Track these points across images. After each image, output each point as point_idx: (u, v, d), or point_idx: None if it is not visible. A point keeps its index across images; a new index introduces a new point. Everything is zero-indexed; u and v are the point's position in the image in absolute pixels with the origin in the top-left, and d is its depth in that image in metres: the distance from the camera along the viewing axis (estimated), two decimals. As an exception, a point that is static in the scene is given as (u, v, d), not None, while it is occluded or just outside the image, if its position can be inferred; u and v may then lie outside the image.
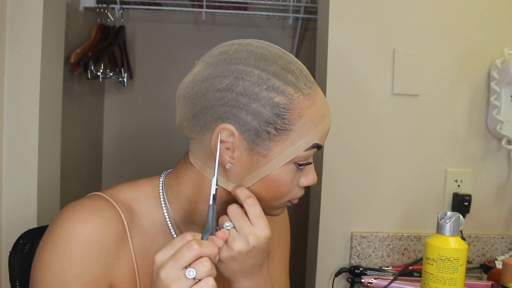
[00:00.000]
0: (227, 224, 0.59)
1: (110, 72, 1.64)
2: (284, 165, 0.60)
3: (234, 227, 0.59)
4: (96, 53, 1.54)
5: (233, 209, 0.60)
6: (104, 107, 1.97)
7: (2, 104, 1.05)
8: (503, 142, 1.14)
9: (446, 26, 1.15)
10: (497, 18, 1.16)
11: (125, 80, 1.76)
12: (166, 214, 0.67)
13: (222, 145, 0.59)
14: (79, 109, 1.68)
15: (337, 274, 1.11)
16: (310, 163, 0.63)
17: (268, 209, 0.65)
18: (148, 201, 0.67)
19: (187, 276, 0.50)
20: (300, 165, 0.61)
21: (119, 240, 0.63)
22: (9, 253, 0.80)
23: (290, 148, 0.59)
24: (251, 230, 0.58)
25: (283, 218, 0.84)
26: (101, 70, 1.53)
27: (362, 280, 1.04)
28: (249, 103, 0.57)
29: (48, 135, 1.13)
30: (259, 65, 0.58)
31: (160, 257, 0.52)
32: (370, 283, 1.03)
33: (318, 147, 0.62)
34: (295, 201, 0.66)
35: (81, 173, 1.71)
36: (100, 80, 1.57)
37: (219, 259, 0.58)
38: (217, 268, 0.60)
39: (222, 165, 0.61)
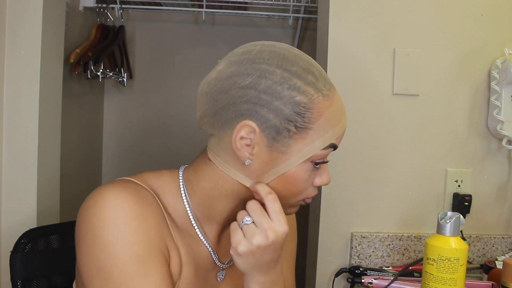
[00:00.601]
0: (247, 219, 0.61)
1: (110, 72, 1.64)
2: (301, 163, 0.62)
3: (254, 222, 0.60)
4: (96, 53, 1.54)
5: (253, 204, 0.61)
6: (104, 107, 1.97)
7: (1, 104, 1.05)
8: (504, 142, 1.14)
9: (447, 26, 1.15)
10: (497, 18, 1.16)
11: (125, 80, 1.76)
12: (187, 207, 0.68)
13: (242, 141, 0.61)
14: (79, 109, 1.68)
15: (337, 274, 1.11)
16: (326, 162, 0.66)
17: (282, 207, 0.65)
18: (171, 192, 0.68)
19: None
20: (316, 163, 0.63)
21: (164, 220, 0.64)
22: (10, 253, 0.80)
23: (308, 147, 0.61)
24: (270, 225, 0.59)
25: (292, 219, 0.85)
26: (101, 70, 1.53)
27: (362, 280, 1.04)
28: (271, 101, 0.59)
29: (47, 135, 1.13)
30: (281, 65, 0.60)
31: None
32: (370, 283, 1.03)
33: (334, 147, 0.64)
34: (309, 200, 0.68)
35: (80, 173, 1.71)
36: (100, 80, 1.56)
37: (237, 252, 0.60)
38: (232, 265, 0.63)
39: (241, 161, 0.62)
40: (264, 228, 0.59)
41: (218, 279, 0.72)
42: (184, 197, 0.68)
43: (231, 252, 0.61)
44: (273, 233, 0.59)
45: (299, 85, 0.59)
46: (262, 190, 0.61)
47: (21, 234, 0.83)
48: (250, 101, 0.59)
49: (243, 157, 0.61)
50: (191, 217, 0.68)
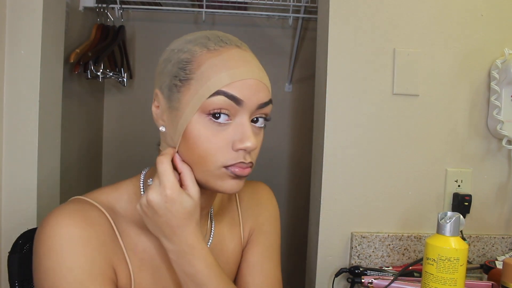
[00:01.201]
0: (149, 181, 0.66)
1: (110, 72, 1.64)
2: (196, 117, 0.61)
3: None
4: (96, 53, 1.54)
5: (159, 161, 0.64)
6: (104, 107, 1.97)
7: (1, 104, 1.05)
8: (504, 142, 1.14)
9: (446, 26, 1.15)
10: (497, 18, 1.16)
11: (125, 80, 1.76)
12: None
13: (157, 110, 0.67)
14: (79, 109, 1.68)
15: (337, 274, 1.11)
16: (223, 114, 0.61)
17: (207, 179, 0.64)
18: (130, 199, 0.69)
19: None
20: (213, 115, 0.61)
21: (111, 236, 0.66)
22: (8, 254, 0.80)
23: (194, 97, 0.61)
24: (163, 184, 0.61)
25: (271, 206, 0.84)
26: (101, 70, 1.53)
27: (362, 280, 1.04)
28: (166, 65, 0.65)
29: (47, 135, 1.13)
30: (188, 39, 0.66)
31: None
32: (370, 283, 1.03)
33: (228, 96, 0.60)
34: (235, 170, 0.62)
35: (80, 173, 1.71)
36: (100, 80, 1.57)
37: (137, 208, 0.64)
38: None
39: (160, 130, 0.68)
40: (155, 186, 0.62)
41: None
42: None
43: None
44: (156, 196, 0.61)
45: (188, 48, 0.64)
46: (167, 151, 0.66)
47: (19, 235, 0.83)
48: (157, 72, 0.68)
49: (159, 125, 0.67)
50: None
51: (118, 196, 0.69)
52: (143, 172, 0.72)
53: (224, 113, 0.61)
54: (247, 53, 0.65)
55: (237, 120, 0.62)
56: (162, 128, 0.67)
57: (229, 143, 0.62)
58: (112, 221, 0.67)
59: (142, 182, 0.71)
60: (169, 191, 0.61)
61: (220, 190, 0.64)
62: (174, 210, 0.61)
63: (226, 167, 0.62)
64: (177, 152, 0.65)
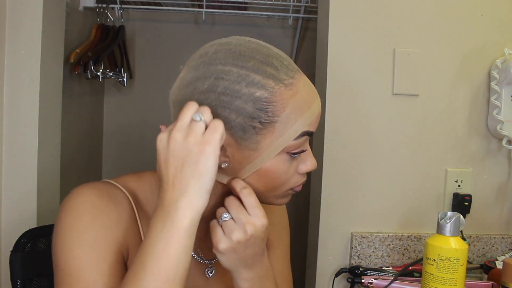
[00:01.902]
0: (225, 216, 0.60)
1: (110, 72, 1.64)
2: (276, 156, 0.61)
3: (232, 218, 0.60)
4: (96, 53, 1.54)
5: (230, 200, 0.61)
6: (104, 107, 1.97)
7: (1, 104, 1.05)
8: (504, 142, 1.14)
9: (447, 26, 1.15)
10: (497, 18, 1.16)
11: (125, 80, 1.76)
12: None
13: None
14: (79, 109, 1.68)
15: (337, 274, 1.11)
16: (304, 151, 0.64)
17: (270, 199, 0.66)
18: (152, 191, 0.68)
19: (195, 119, 0.55)
20: (293, 154, 0.62)
21: (132, 219, 0.65)
22: (10, 253, 0.80)
23: (278, 139, 0.60)
24: (248, 219, 0.59)
25: (282, 210, 0.85)
26: (101, 70, 1.53)
27: (362, 280, 1.04)
28: (232, 101, 0.58)
29: (48, 135, 1.13)
30: (237, 63, 0.59)
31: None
32: (370, 283, 1.03)
33: (309, 134, 0.62)
34: (298, 188, 0.67)
35: (80, 173, 1.71)
36: (100, 80, 1.57)
37: (219, 250, 0.60)
38: (218, 261, 0.62)
39: (218, 166, 0.61)
40: (242, 223, 0.59)
41: (207, 275, 0.72)
42: None
43: (214, 251, 0.61)
44: (251, 227, 0.59)
45: (258, 79, 0.58)
46: (237, 185, 0.61)
47: (21, 234, 0.83)
48: (211, 104, 0.58)
49: (220, 162, 0.60)
50: None
51: (141, 185, 0.69)
52: None
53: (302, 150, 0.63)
54: (305, 76, 0.64)
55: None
56: (224, 165, 0.62)
57: (296, 168, 0.65)
58: (134, 207, 0.66)
59: None
60: (264, 220, 0.60)
61: (277, 204, 0.67)
62: (260, 238, 0.61)
63: (291, 188, 0.66)
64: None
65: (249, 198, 0.60)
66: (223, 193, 0.65)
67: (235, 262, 0.61)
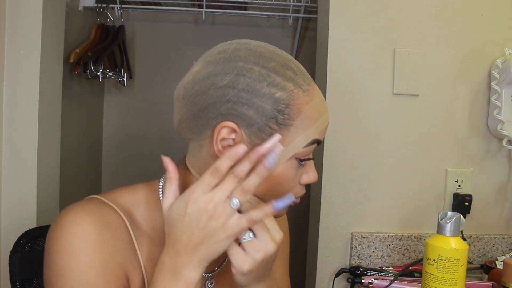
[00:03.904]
0: (250, 235, 0.57)
1: (110, 72, 1.64)
2: (286, 161, 0.60)
3: (255, 236, 0.57)
4: (96, 53, 1.54)
5: (257, 215, 0.56)
6: (104, 107, 1.97)
7: (1, 104, 1.05)
8: (504, 142, 1.14)
9: (447, 26, 1.15)
10: (497, 18, 1.15)
11: (124, 80, 1.76)
12: None
13: (224, 142, 0.59)
14: (79, 109, 1.68)
15: (337, 275, 1.11)
16: (311, 159, 0.64)
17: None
18: (148, 206, 0.66)
19: (232, 205, 0.54)
20: (301, 160, 0.62)
21: (128, 242, 0.62)
22: (9, 253, 0.80)
23: (290, 144, 0.60)
24: (270, 235, 0.57)
25: (283, 218, 0.84)
26: (101, 70, 1.53)
27: (363, 281, 1.04)
28: (251, 98, 0.57)
29: (47, 135, 1.13)
30: (259, 62, 0.59)
31: (190, 192, 0.55)
32: (371, 283, 1.03)
33: (318, 142, 0.63)
34: (297, 200, 0.65)
35: (80, 173, 1.71)
36: (100, 80, 1.56)
37: (243, 272, 0.56)
38: (236, 280, 0.59)
39: None
40: (266, 242, 0.56)
41: (206, 287, 0.71)
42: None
43: (234, 271, 0.57)
44: (273, 245, 0.57)
45: (278, 81, 0.58)
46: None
47: (21, 234, 0.83)
48: (230, 100, 0.57)
49: None
50: None
51: (135, 200, 0.66)
52: (162, 180, 0.68)
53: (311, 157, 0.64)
54: (317, 86, 0.65)
55: None
56: None
57: (299, 177, 0.64)
58: (129, 227, 0.63)
59: (161, 192, 0.66)
60: (282, 234, 0.59)
61: (275, 216, 0.65)
62: (276, 253, 0.59)
63: None
64: None
65: (270, 222, 0.58)
66: None
67: (253, 279, 0.59)
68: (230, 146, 0.59)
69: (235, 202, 0.54)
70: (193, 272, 0.55)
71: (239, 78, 0.57)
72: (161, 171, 0.72)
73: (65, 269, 0.57)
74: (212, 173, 0.54)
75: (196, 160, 0.64)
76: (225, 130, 0.58)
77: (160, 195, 0.66)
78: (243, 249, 0.57)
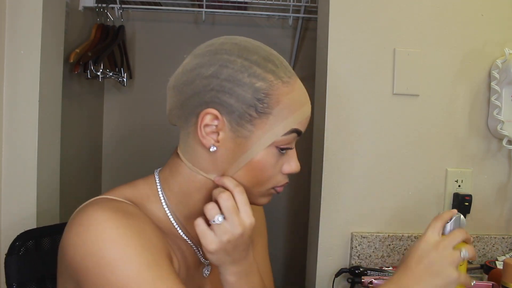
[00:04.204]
0: (219, 219, 0.61)
1: (110, 72, 1.64)
2: (266, 148, 0.64)
3: (225, 219, 0.62)
4: (96, 53, 1.54)
5: (227, 199, 0.62)
6: (104, 107, 1.97)
7: (1, 104, 1.05)
8: (504, 142, 1.14)
9: (447, 26, 1.15)
10: (497, 18, 1.15)
11: (124, 80, 1.75)
12: (167, 211, 0.68)
13: (207, 129, 0.63)
14: (79, 109, 1.68)
15: (337, 275, 1.11)
16: (291, 148, 0.67)
17: (253, 198, 0.68)
18: (149, 200, 0.68)
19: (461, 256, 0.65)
20: (282, 149, 0.65)
21: (157, 228, 0.65)
22: (5, 255, 0.79)
23: (269, 132, 0.63)
24: (240, 220, 0.62)
25: (259, 213, 0.86)
26: (101, 70, 1.53)
27: (363, 281, 1.04)
28: (233, 87, 0.61)
29: (47, 135, 1.13)
30: (242, 54, 0.63)
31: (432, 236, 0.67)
32: (371, 283, 1.03)
33: (297, 132, 0.66)
34: (280, 189, 0.69)
35: (80, 173, 1.71)
36: (100, 80, 1.56)
37: (209, 251, 0.61)
38: (208, 259, 0.64)
39: (206, 149, 0.64)
40: (234, 225, 0.61)
41: (204, 274, 0.74)
42: (163, 201, 0.68)
43: (204, 250, 0.62)
44: (241, 228, 0.61)
45: (259, 72, 0.62)
46: (230, 183, 0.63)
47: (16, 236, 0.81)
48: (213, 89, 0.61)
49: (209, 144, 0.63)
50: (172, 219, 0.68)
51: (138, 195, 0.68)
52: (156, 173, 0.71)
53: (290, 147, 0.66)
54: (300, 81, 0.68)
55: None
56: (213, 148, 0.63)
57: (281, 167, 0.67)
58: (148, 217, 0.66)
59: (159, 185, 0.69)
60: (253, 219, 0.63)
61: (257, 204, 0.69)
62: (247, 236, 0.64)
63: (274, 187, 0.68)
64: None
65: (242, 196, 0.63)
66: (208, 189, 0.67)
67: (223, 259, 0.63)
68: (213, 132, 0.63)
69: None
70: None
71: (222, 68, 0.62)
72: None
73: (119, 258, 0.56)
74: (452, 240, 0.68)
75: (186, 147, 0.67)
76: (208, 117, 0.62)
77: (159, 188, 0.69)
78: (212, 230, 0.61)
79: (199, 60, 0.64)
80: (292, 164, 0.68)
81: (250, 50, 0.64)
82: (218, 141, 0.63)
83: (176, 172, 0.68)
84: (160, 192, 0.69)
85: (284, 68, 0.65)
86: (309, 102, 0.68)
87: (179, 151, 0.69)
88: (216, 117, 0.62)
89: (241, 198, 0.63)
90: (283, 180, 0.68)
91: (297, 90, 0.65)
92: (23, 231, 0.83)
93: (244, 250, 0.65)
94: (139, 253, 0.57)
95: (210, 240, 0.61)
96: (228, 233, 0.61)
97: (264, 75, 0.62)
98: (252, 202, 0.67)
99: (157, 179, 0.70)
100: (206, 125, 0.63)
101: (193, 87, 0.63)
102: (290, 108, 0.64)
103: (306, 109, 0.67)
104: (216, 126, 0.63)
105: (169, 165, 0.70)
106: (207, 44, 0.67)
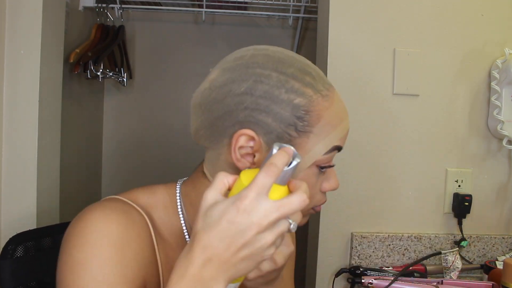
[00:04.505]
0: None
1: (110, 72, 1.64)
2: (306, 169, 0.59)
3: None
4: (96, 53, 1.54)
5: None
6: (104, 107, 1.97)
7: (1, 104, 1.05)
8: (504, 142, 1.14)
9: (447, 26, 1.15)
10: (497, 18, 1.15)
11: (124, 80, 1.75)
12: (184, 224, 0.65)
13: (242, 150, 0.58)
14: (79, 109, 1.68)
15: (337, 275, 1.11)
16: (332, 166, 0.63)
17: None
18: (167, 209, 0.65)
19: (291, 229, 0.48)
20: (322, 167, 0.61)
21: (149, 244, 0.61)
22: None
23: (311, 151, 0.58)
24: (277, 250, 0.53)
25: None
26: (101, 70, 1.53)
27: (363, 281, 1.04)
28: (270, 105, 0.56)
29: (47, 135, 1.13)
30: (277, 68, 0.58)
31: (242, 197, 0.46)
32: (371, 283, 1.03)
33: (339, 149, 0.62)
34: (318, 209, 0.65)
35: (80, 173, 1.71)
36: (100, 80, 1.56)
37: (248, 279, 0.55)
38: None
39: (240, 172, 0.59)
40: (277, 255, 0.55)
41: None
42: (181, 214, 0.65)
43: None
44: (281, 258, 0.55)
45: (297, 87, 0.57)
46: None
47: (8, 239, 0.80)
48: (247, 108, 0.56)
49: (244, 167, 0.57)
50: (185, 231, 0.65)
51: (154, 202, 0.64)
52: (179, 184, 0.67)
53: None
54: (337, 91, 0.63)
55: None
56: None
57: (320, 185, 0.63)
58: (151, 228, 0.62)
59: (179, 196, 0.66)
60: (292, 247, 0.57)
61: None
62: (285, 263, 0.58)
63: (313, 207, 0.64)
64: None
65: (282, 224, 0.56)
66: None
67: (257, 285, 0.59)
68: (248, 154, 0.58)
69: (293, 226, 0.48)
70: (221, 287, 0.47)
71: (257, 84, 0.56)
72: (160, 170, 0.72)
73: (83, 262, 0.54)
74: (267, 172, 0.46)
75: (215, 168, 0.62)
76: (243, 138, 0.57)
77: (178, 200, 0.66)
78: None
79: (229, 75, 0.58)
80: (331, 182, 0.64)
81: (285, 62, 0.59)
82: (254, 163, 0.58)
83: (201, 190, 0.61)
84: (179, 204, 0.65)
85: (321, 79, 0.60)
86: (348, 114, 0.63)
87: (205, 171, 0.64)
88: (252, 138, 0.57)
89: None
90: (322, 199, 0.64)
91: (337, 103, 0.60)
92: (22, 231, 0.83)
93: (279, 276, 0.61)
94: (102, 267, 0.54)
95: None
96: (266, 263, 0.54)
97: (303, 90, 0.57)
98: None
99: (178, 190, 0.66)
100: (241, 147, 0.57)
101: (224, 105, 0.57)
102: (331, 124, 0.59)
103: (346, 123, 0.62)
104: (252, 147, 0.57)
105: (193, 182, 0.66)
106: (236, 56, 0.61)
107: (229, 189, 0.50)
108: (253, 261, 0.47)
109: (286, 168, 0.48)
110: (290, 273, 0.83)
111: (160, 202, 0.65)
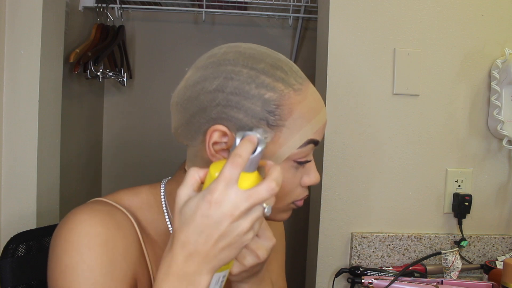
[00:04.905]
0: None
1: (110, 72, 1.64)
2: (282, 163, 0.59)
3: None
4: (96, 53, 1.54)
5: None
6: (104, 107, 1.97)
7: (1, 104, 1.05)
8: (504, 142, 1.14)
9: (447, 26, 1.15)
10: (498, 18, 1.15)
11: (124, 80, 1.75)
12: (169, 223, 0.65)
13: (216, 146, 0.58)
14: (79, 109, 1.68)
15: (337, 275, 1.11)
16: (309, 161, 0.63)
17: (272, 214, 0.63)
18: (151, 209, 0.65)
19: (266, 213, 0.49)
20: (299, 162, 0.61)
21: (136, 243, 0.62)
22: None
23: (285, 145, 0.58)
24: (260, 244, 0.56)
25: (278, 224, 0.83)
26: (101, 70, 1.53)
27: (363, 281, 1.04)
28: (241, 101, 0.57)
29: (47, 135, 1.13)
30: (247, 64, 0.58)
31: (211, 191, 0.47)
32: (371, 283, 1.03)
33: (315, 143, 0.61)
34: (300, 203, 0.65)
35: (80, 173, 1.71)
36: (100, 80, 1.56)
37: (231, 274, 0.56)
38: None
39: None
40: (253, 249, 0.55)
41: None
42: (165, 213, 0.65)
43: None
44: (263, 251, 0.56)
45: (268, 82, 0.57)
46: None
47: (9, 238, 0.80)
48: (219, 104, 0.57)
49: None
50: (171, 230, 0.65)
51: (139, 203, 0.65)
52: (163, 184, 0.68)
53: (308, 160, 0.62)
54: (312, 85, 0.63)
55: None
56: None
57: (300, 180, 0.63)
58: (137, 228, 0.62)
59: (163, 196, 0.66)
60: (274, 241, 0.58)
61: (277, 220, 0.65)
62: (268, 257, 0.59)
63: (293, 201, 0.64)
64: None
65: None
66: None
67: (242, 279, 0.60)
68: (223, 149, 0.58)
69: (267, 210, 0.49)
70: (205, 279, 0.49)
71: (227, 81, 0.57)
72: (160, 171, 0.72)
73: (73, 266, 0.55)
74: (233, 163, 0.47)
75: (195, 165, 0.63)
76: (216, 134, 0.58)
77: (162, 199, 0.66)
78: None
79: (202, 73, 0.59)
80: (311, 176, 0.63)
81: (256, 58, 0.59)
82: None
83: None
84: (164, 203, 0.66)
85: (294, 74, 0.60)
86: (324, 106, 0.63)
87: (187, 168, 0.65)
88: (225, 134, 0.57)
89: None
90: (303, 193, 0.64)
91: (311, 97, 0.60)
92: (22, 231, 0.83)
93: (262, 269, 0.61)
94: (92, 269, 0.55)
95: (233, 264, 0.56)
96: (249, 257, 0.56)
97: (273, 85, 0.57)
98: (271, 219, 0.63)
99: (162, 189, 0.67)
100: (215, 143, 0.58)
101: (197, 103, 0.58)
102: (305, 117, 0.59)
103: (321, 116, 0.61)
104: (226, 143, 0.58)
105: (177, 180, 0.67)
106: (209, 54, 0.62)
107: (202, 183, 0.51)
108: (234, 249, 0.49)
109: (252, 156, 0.48)
110: (281, 266, 0.83)
111: (145, 202, 0.66)
